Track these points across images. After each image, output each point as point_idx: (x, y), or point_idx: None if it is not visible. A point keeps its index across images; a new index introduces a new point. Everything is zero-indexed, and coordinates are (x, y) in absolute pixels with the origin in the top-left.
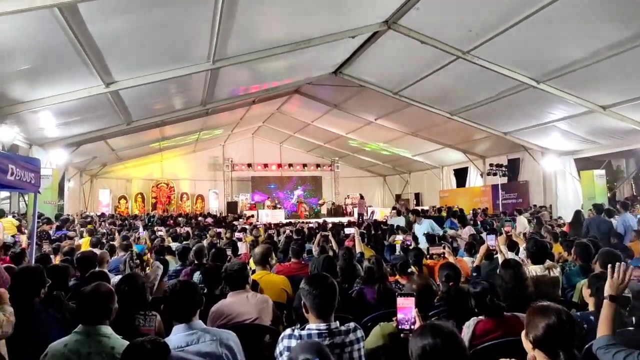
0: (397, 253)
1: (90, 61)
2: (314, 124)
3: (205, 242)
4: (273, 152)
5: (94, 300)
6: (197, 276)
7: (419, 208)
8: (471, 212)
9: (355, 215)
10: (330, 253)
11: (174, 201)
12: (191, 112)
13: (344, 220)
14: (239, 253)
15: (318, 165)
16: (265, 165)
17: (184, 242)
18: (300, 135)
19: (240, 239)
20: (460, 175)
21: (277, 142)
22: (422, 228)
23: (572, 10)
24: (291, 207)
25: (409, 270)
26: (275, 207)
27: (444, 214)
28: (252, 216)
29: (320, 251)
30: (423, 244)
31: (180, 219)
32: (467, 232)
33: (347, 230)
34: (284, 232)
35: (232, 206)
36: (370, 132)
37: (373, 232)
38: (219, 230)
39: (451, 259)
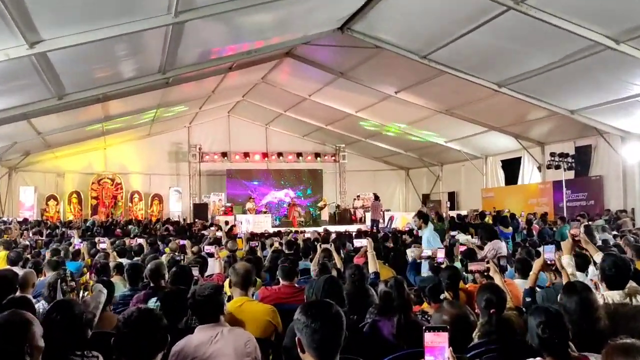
0: (425, 274)
1: (8, 12)
2: (312, 99)
3: (164, 259)
4: (256, 137)
5: (4, 335)
6: (153, 304)
7: (453, 213)
8: (520, 215)
9: (368, 223)
10: (334, 273)
11: (121, 203)
12: (145, 83)
13: (352, 229)
14: (209, 273)
15: (317, 155)
16: (246, 155)
17: (136, 258)
18: (293, 114)
19: (211, 254)
20: (511, 168)
21: (261, 123)
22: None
23: None
24: (281, 211)
25: (441, 296)
26: (259, 212)
27: (489, 220)
28: (228, 223)
29: (321, 271)
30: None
31: (130, 227)
32: (491, 248)
33: (357, 243)
34: (271, 245)
35: (200, 210)
36: (388, 109)
37: (392, 245)
38: (182, 242)
39: (497, 279)
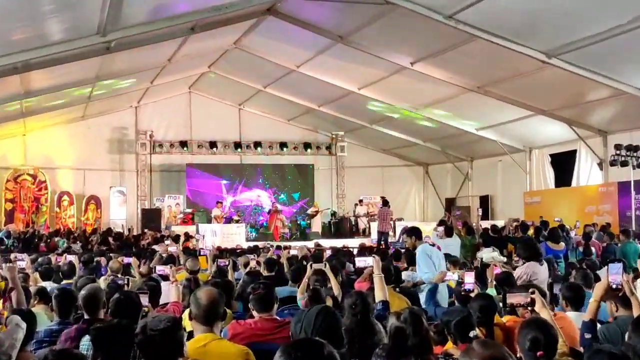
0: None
1: None
2: (300, 71)
3: (102, 282)
4: (226, 121)
5: None
6: (87, 342)
7: (487, 224)
8: (575, 227)
9: (374, 236)
10: (329, 302)
11: (46, 208)
12: (79, 48)
13: (353, 243)
14: (163, 302)
15: (307, 146)
16: (213, 145)
17: (65, 282)
18: (275, 91)
19: (165, 277)
20: (563, 164)
21: (233, 103)
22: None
23: None
24: (259, 219)
25: (471, 334)
26: (229, 220)
27: (531, 232)
28: (188, 236)
29: (311, 299)
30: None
31: (58, 239)
32: (523, 273)
33: (360, 262)
34: (246, 265)
35: (151, 217)
36: (402, 86)
37: (405, 265)
38: (127, 260)
39: (544, 314)
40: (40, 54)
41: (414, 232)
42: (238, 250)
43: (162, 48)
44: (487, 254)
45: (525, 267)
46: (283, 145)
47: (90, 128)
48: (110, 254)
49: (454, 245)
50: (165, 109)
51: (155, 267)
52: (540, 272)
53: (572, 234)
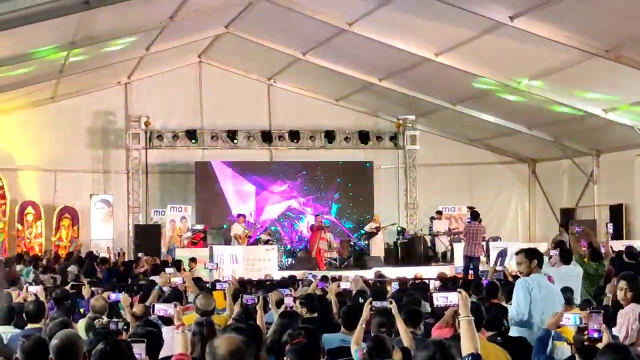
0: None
1: None
2: (354, 31)
3: (81, 327)
4: (251, 102)
5: None
6: None
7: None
8: None
9: (459, 262)
10: (397, 357)
11: (3, 223)
12: (48, 3)
13: (429, 272)
14: (165, 355)
15: (364, 136)
16: (232, 136)
17: (31, 326)
18: (319, 60)
19: (167, 320)
20: None
21: (261, 77)
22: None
23: None
24: (296, 238)
25: None
26: (256, 241)
27: None
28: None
29: (372, 350)
30: None
31: (20, 267)
32: (630, 316)
33: (439, 300)
34: (279, 303)
35: (148, 236)
36: (498, 50)
37: (505, 302)
38: (115, 296)
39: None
40: None
41: (535, 255)
42: (268, 283)
43: (161, 1)
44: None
45: (632, 308)
46: (330, 135)
47: (63, 113)
48: (92, 288)
49: (573, 276)
50: (167, 86)
51: (153, 306)
52: None
53: None
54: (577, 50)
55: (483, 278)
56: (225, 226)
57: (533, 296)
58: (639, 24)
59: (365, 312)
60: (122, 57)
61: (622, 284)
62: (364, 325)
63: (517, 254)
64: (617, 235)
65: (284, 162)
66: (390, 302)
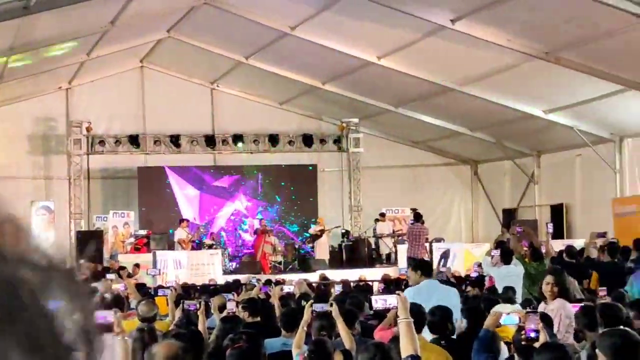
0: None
1: None
2: (297, 35)
3: None
4: (195, 106)
5: None
6: None
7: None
8: None
9: (402, 264)
10: (338, 359)
11: None
12: None
13: (373, 274)
14: None
15: (308, 140)
16: (175, 141)
17: None
18: (262, 64)
19: (108, 327)
20: None
21: (203, 81)
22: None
23: None
24: (238, 243)
25: None
26: (200, 245)
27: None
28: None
29: (313, 354)
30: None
31: None
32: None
33: (378, 302)
34: (221, 308)
35: (89, 242)
36: (439, 53)
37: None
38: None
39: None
40: None
41: (419, 266)
42: (212, 287)
43: (102, 5)
44: (506, 307)
45: (558, 304)
46: (274, 138)
47: (3, 119)
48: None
49: (513, 276)
50: (108, 91)
51: (97, 314)
52: (568, 308)
53: None
54: (518, 53)
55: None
56: (171, 231)
57: (424, 303)
58: (576, 27)
59: (307, 315)
60: (63, 62)
61: (549, 278)
62: (305, 328)
63: (490, 251)
64: (558, 234)
65: (227, 167)
66: (331, 305)
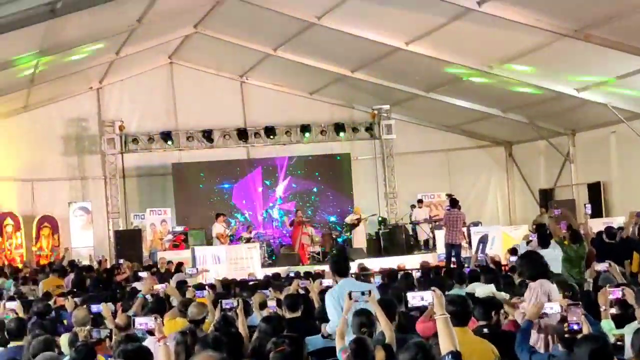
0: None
1: None
2: (323, 24)
3: (64, 341)
4: (225, 100)
5: None
6: None
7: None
8: None
9: (441, 250)
10: (380, 357)
11: None
12: (14, 14)
13: (412, 261)
14: None
15: (340, 128)
16: (208, 135)
17: (14, 344)
18: (291, 55)
19: (149, 331)
20: None
21: (233, 75)
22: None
23: None
24: (276, 235)
25: None
26: (236, 239)
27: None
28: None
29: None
30: None
31: (1, 280)
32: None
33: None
34: (262, 305)
35: (128, 241)
36: (467, 36)
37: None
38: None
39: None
40: None
41: (333, 266)
42: (251, 283)
43: (128, 4)
44: (483, 289)
45: (539, 285)
46: (305, 129)
47: (37, 122)
48: (75, 299)
49: (552, 260)
50: (139, 89)
51: (134, 320)
52: (552, 289)
53: None
54: (547, 32)
55: (467, 266)
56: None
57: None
58: (604, 3)
59: (347, 304)
60: (93, 62)
61: None
62: (346, 317)
63: (530, 231)
64: (596, 213)
65: (262, 159)
66: (368, 294)
